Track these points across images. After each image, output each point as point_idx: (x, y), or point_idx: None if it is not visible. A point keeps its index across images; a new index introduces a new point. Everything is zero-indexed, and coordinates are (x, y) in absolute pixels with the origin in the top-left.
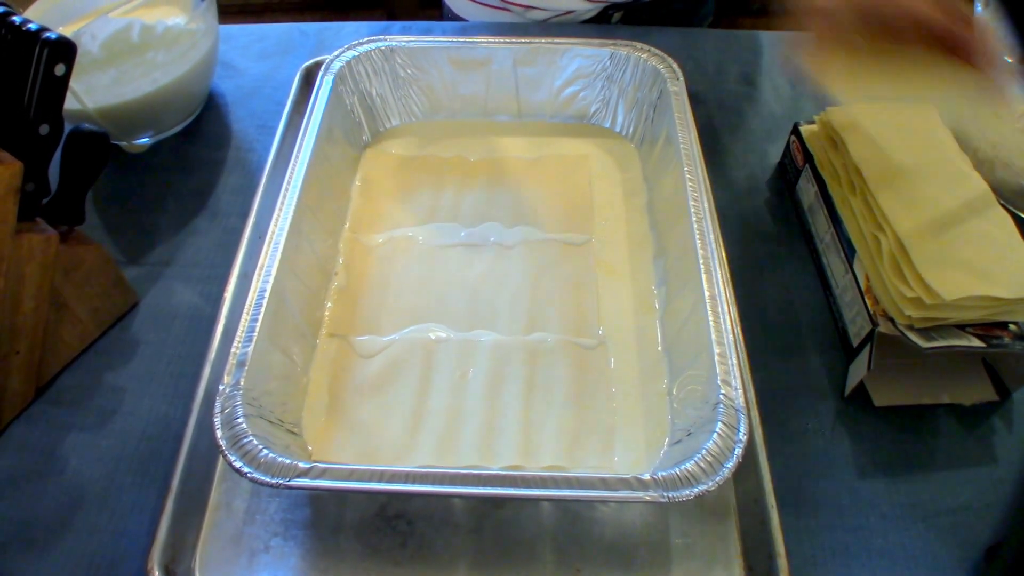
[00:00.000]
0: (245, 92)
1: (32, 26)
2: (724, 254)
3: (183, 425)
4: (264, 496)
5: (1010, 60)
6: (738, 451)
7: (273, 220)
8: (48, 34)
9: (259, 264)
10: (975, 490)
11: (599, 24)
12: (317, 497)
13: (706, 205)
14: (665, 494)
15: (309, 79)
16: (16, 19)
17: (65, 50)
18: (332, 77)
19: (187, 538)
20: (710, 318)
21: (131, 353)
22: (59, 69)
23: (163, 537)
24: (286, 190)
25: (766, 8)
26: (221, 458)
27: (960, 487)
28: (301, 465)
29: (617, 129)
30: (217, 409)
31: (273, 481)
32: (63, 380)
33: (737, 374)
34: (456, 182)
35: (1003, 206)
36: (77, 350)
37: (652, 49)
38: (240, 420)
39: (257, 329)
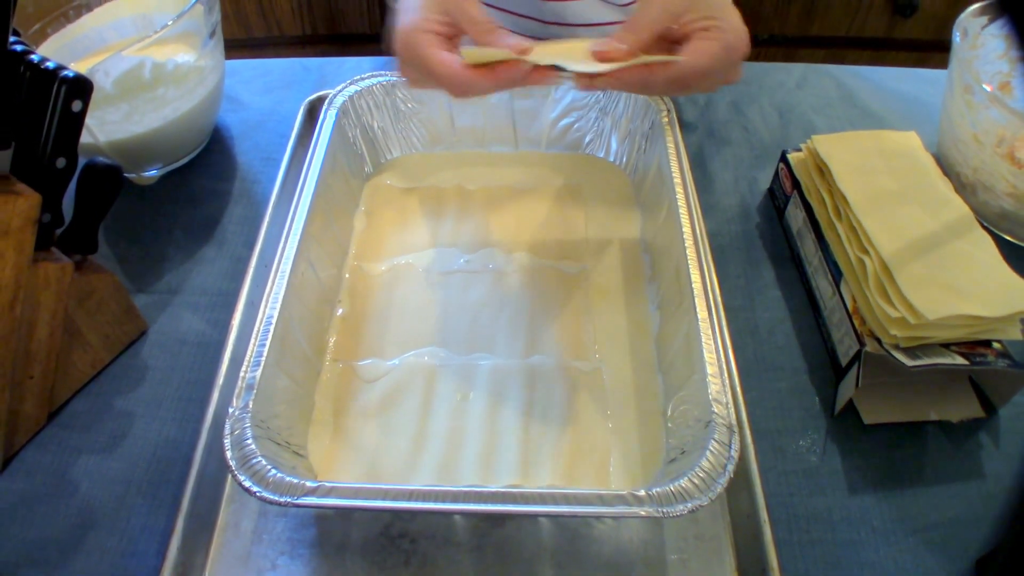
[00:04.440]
0: (250, 125)
1: (50, 64)
2: (716, 278)
3: (192, 448)
4: (271, 516)
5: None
6: (730, 468)
7: (279, 249)
8: (65, 72)
9: (266, 292)
10: (964, 504)
11: None
12: (323, 516)
13: (698, 231)
14: (660, 509)
15: (312, 113)
16: (34, 57)
17: (82, 87)
18: (335, 111)
19: (196, 558)
20: (703, 340)
21: (140, 379)
22: (76, 105)
23: (173, 557)
24: (292, 220)
25: (755, 38)
26: (230, 479)
27: (949, 501)
28: (308, 484)
29: (611, 158)
30: (227, 431)
31: (281, 500)
32: (74, 405)
33: (729, 393)
34: (455, 211)
35: (984, 228)
36: (88, 376)
37: None
38: (249, 442)
39: (265, 354)
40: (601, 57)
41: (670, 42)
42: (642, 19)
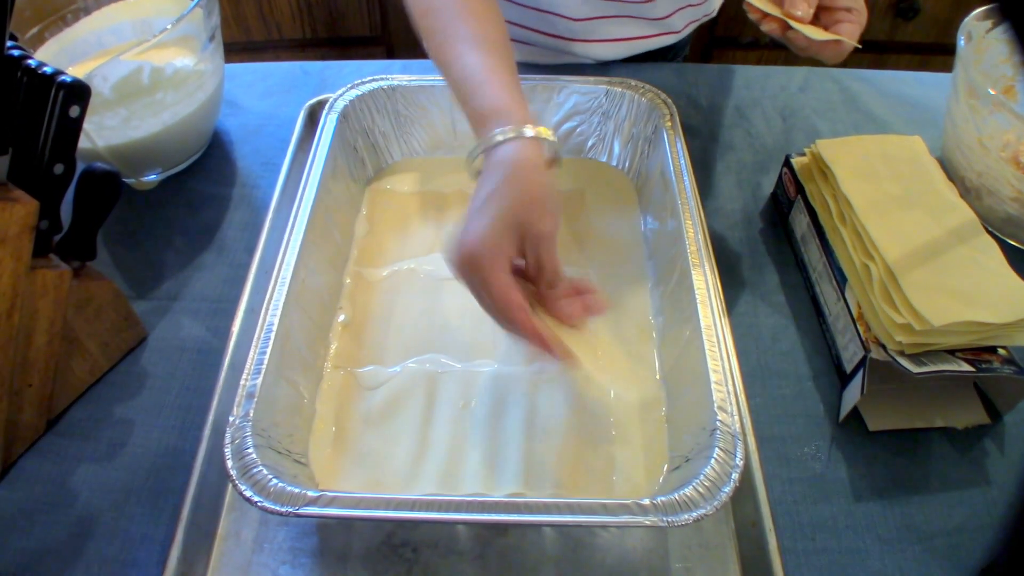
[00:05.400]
0: (249, 130)
1: (47, 69)
2: (720, 284)
3: (192, 456)
4: (272, 525)
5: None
6: (735, 476)
7: (280, 255)
8: (63, 77)
9: (266, 298)
10: (969, 512)
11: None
12: (324, 526)
13: (701, 236)
14: (664, 519)
15: (313, 117)
16: (32, 62)
17: (80, 92)
18: (336, 115)
19: (197, 567)
20: (706, 347)
21: (140, 386)
22: (74, 111)
23: (173, 567)
24: (292, 226)
25: (756, 42)
26: (230, 488)
27: (954, 509)
28: (310, 494)
29: (613, 163)
30: (227, 440)
31: (283, 510)
32: (73, 413)
33: (733, 401)
34: (457, 216)
35: (989, 233)
36: (87, 383)
37: (646, 85)
38: (250, 451)
39: (265, 362)
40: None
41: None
42: None
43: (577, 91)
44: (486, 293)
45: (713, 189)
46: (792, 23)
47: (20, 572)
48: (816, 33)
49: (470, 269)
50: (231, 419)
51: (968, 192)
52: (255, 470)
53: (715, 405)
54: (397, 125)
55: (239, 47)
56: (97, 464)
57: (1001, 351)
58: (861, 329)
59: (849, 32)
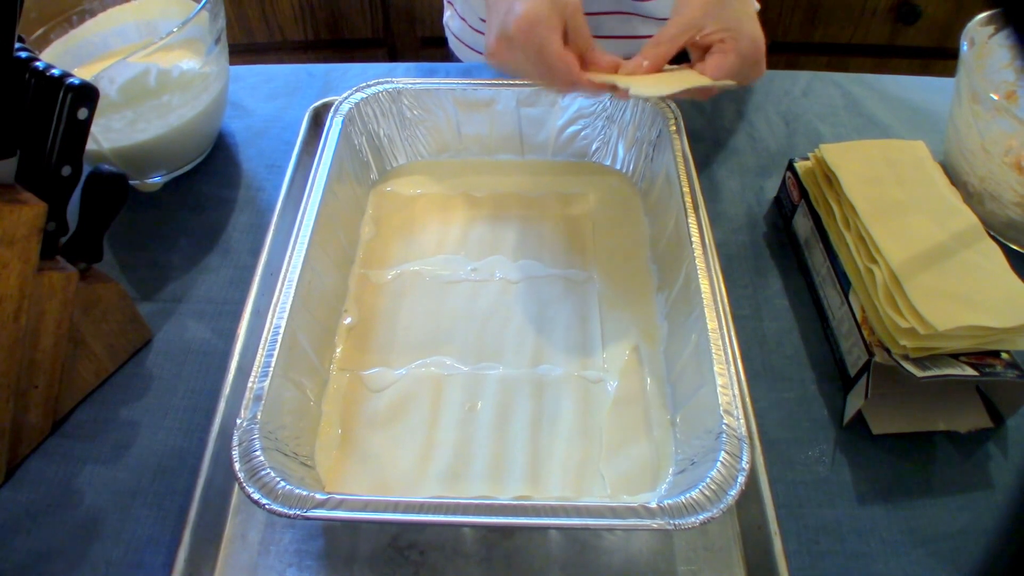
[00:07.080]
0: (254, 132)
1: (55, 71)
2: (724, 287)
3: (198, 458)
4: (278, 528)
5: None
6: (741, 479)
7: (286, 257)
8: (72, 79)
9: (273, 301)
10: (973, 515)
11: None
12: (330, 528)
13: (706, 240)
14: (671, 522)
15: (317, 119)
16: (39, 64)
17: (88, 95)
18: (341, 118)
19: (203, 570)
20: (712, 350)
21: (146, 388)
22: (82, 113)
23: (180, 569)
24: (298, 228)
25: None
26: (237, 490)
27: (958, 512)
28: (318, 496)
29: (617, 167)
30: (235, 442)
31: (291, 512)
32: (79, 414)
33: (739, 404)
34: (462, 218)
35: (992, 237)
36: (93, 385)
37: None
38: (257, 453)
39: (273, 364)
40: (629, 72)
41: (701, 49)
42: (664, 35)
43: (581, 94)
44: (544, 58)
45: (716, 193)
46: (621, 84)
47: (25, 574)
48: (646, 89)
49: (527, 38)
50: (239, 421)
51: (971, 197)
52: (263, 472)
53: (721, 409)
54: (402, 128)
55: (241, 48)
56: (103, 466)
57: (1004, 355)
58: (865, 333)
59: (714, 65)
